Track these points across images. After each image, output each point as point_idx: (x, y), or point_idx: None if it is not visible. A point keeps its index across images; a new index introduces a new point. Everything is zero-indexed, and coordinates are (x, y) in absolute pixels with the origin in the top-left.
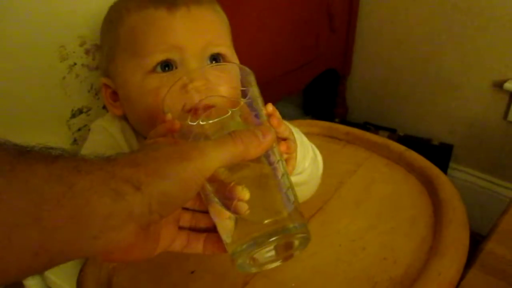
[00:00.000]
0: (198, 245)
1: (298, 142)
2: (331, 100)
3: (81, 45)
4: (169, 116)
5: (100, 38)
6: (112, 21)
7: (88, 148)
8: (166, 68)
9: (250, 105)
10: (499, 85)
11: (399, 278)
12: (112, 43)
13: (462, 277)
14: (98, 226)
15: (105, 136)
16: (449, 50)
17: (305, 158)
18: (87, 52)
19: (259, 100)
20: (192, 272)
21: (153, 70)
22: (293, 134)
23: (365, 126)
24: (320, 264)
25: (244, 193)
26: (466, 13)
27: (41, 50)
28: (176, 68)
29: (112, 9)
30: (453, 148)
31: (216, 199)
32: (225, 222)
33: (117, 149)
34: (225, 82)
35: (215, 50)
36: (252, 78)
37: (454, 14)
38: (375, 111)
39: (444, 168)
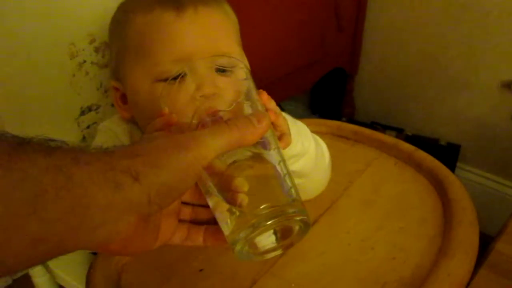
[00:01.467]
0: (198, 237)
1: (290, 123)
2: (339, 100)
3: (90, 42)
4: (165, 110)
5: (109, 38)
6: (120, 22)
7: None
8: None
9: (246, 96)
10: (507, 85)
11: (408, 279)
12: (120, 46)
13: (471, 278)
14: (97, 217)
15: (110, 137)
16: (457, 50)
17: (301, 137)
18: (96, 50)
19: (254, 91)
20: (201, 270)
21: (162, 79)
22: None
23: (373, 125)
24: (328, 263)
25: (242, 184)
26: (474, 12)
27: (51, 47)
28: (186, 74)
29: (119, 10)
30: (460, 148)
31: (215, 191)
32: (224, 213)
33: None
34: (233, 87)
35: (224, 60)
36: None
37: (462, 14)
38: (383, 110)
39: (451, 168)
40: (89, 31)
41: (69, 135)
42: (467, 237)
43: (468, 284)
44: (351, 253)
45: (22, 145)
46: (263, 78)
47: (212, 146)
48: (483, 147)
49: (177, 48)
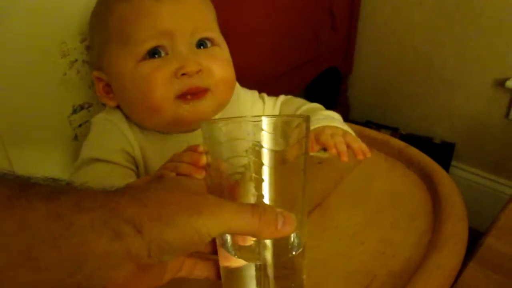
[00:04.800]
0: (203, 273)
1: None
2: (333, 99)
3: (82, 41)
4: (201, 148)
5: (89, 33)
6: (101, 14)
7: (92, 141)
8: (156, 56)
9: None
10: (500, 84)
11: (397, 272)
12: (102, 36)
13: (460, 272)
14: (94, 265)
15: (109, 126)
16: (451, 49)
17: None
18: (88, 48)
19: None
20: None
21: (144, 57)
22: (351, 135)
23: (367, 125)
24: (319, 258)
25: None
26: (467, 11)
27: (43, 46)
28: (167, 54)
29: (99, 3)
30: (455, 146)
31: (227, 245)
32: (228, 270)
33: (121, 137)
34: (218, 64)
35: (203, 34)
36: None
37: (455, 12)
38: (377, 110)
39: (446, 167)
40: (80, 30)
41: (61, 134)
42: (456, 231)
43: (457, 277)
44: (341, 247)
45: (24, 189)
46: (258, 78)
47: (227, 222)
48: (477, 145)
49: (158, 25)
